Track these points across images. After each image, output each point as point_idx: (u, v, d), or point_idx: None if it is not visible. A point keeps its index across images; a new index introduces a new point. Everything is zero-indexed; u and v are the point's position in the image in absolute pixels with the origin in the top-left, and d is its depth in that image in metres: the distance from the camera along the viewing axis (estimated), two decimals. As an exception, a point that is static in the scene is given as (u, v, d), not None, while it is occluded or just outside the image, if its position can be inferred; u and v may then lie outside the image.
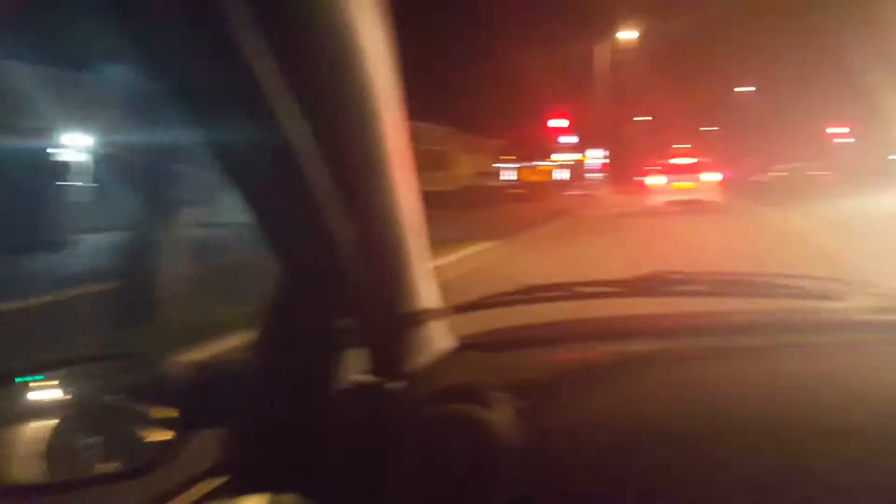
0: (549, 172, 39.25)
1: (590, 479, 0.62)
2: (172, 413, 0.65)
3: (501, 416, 0.66)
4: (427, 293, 0.78)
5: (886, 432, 0.58)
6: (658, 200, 13.99)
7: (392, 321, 0.72)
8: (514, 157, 43.18)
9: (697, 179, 13.66)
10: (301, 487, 0.63)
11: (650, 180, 14.30)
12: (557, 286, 0.97)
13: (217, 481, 0.64)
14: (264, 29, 0.49)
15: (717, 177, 13.79)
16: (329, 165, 0.57)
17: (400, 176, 0.66)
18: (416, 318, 0.75)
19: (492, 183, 34.98)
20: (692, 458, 0.59)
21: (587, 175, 42.96)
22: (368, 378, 0.69)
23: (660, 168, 14.47)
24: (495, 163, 47.83)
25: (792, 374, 0.71)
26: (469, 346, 0.89)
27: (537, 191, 30.33)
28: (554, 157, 48.81)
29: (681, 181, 13.94)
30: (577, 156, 46.75)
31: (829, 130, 46.27)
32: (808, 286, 0.95)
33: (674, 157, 15.00)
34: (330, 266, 0.64)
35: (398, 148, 0.64)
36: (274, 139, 0.53)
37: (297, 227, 0.62)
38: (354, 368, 0.70)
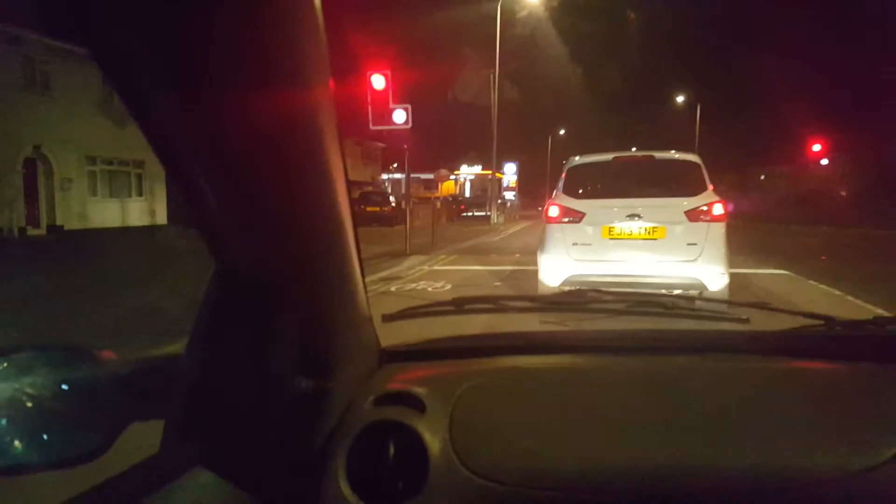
0: (439, 187, 30.92)
1: (515, 490, 0.68)
2: (107, 407, 0.64)
3: (433, 423, 0.72)
4: (360, 301, 0.78)
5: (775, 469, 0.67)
6: (556, 279, 4.65)
7: (327, 325, 0.71)
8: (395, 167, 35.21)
9: (670, 214, 4.81)
10: (234, 476, 0.63)
11: (554, 213, 4.91)
12: (484, 299, 1.04)
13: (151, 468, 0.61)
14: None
15: (718, 209, 5.01)
16: (270, 169, 0.55)
17: (338, 182, 0.63)
18: (350, 324, 0.77)
19: (357, 196, 25.64)
20: (603, 478, 0.68)
21: (504, 193, 36.10)
22: (304, 379, 0.69)
23: (575, 181, 5.11)
24: (384, 172, 39.57)
25: (692, 402, 0.78)
26: (400, 353, 0.94)
27: (414, 211, 21.37)
28: (464, 168, 41.35)
29: (628, 219, 4.90)
30: (477, 169, 39.39)
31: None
32: (717, 308, 1.01)
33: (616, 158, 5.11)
34: (266, 270, 0.63)
35: (335, 154, 0.62)
36: (224, 140, 0.51)
37: (236, 229, 0.59)
38: (288, 369, 0.68)
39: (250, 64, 0.48)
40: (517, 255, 10.43)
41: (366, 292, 0.80)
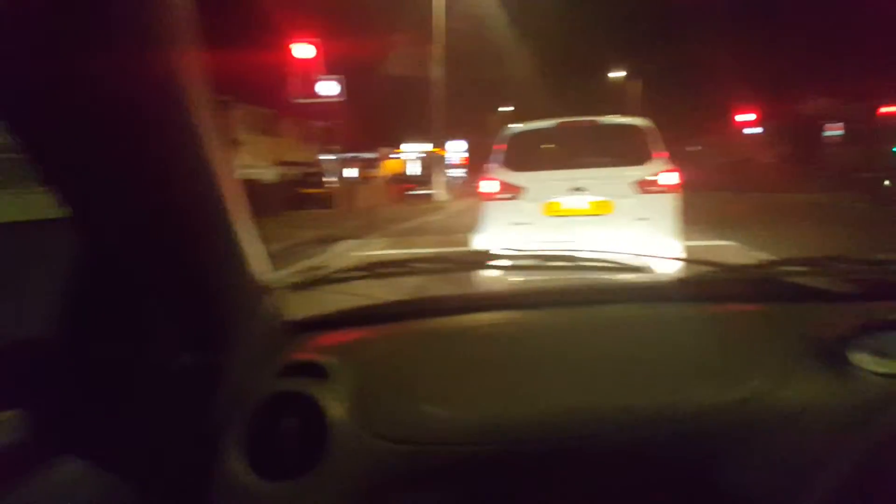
0: (382, 166, 30.00)
1: (422, 449, 0.69)
2: None
3: (336, 391, 0.72)
4: (253, 271, 0.75)
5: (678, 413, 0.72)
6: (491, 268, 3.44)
7: (213, 298, 0.68)
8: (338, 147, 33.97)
9: (618, 186, 4.17)
10: (107, 462, 0.60)
11: (489, 188, 4.34)
12: (395, 262, 1.03)
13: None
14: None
15: (671, 178, 4.61)
16: (136, 133, 0.53)
17: (211, 147, 0.62)
18: (242, 295, 0.74)
19: (294, 176, 24.34)
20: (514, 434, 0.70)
21: (448, 171, 35.54)
22: (189, 355, 0.66)
23: (514, 152, 4.43)
24: (324, 152, 38.09)
25: (603, 348, 0.82)
26: (308, 323, 0.92)
27: (354, 191, 20.30)
28: (404, 147, 40.39)
29: (572, 193, 4.44)
30: (422, 147, 38.64)
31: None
32: (621, 259, 1.02)
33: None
34: (134, 242, 0.60)
35: (203, 113, 0.60)
36: (76, 104, 0.49)
37: (101, 200, 0.56)
38: (168, 346, 0.65)
39: (96, 21, 0.45)
40: (459, 235, 9.90)
41: (268, 261, 0.78)
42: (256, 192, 17.35)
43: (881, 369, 0.74)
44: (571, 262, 1.01)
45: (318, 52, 8.68)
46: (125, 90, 0.49)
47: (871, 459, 0.67)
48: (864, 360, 0.75)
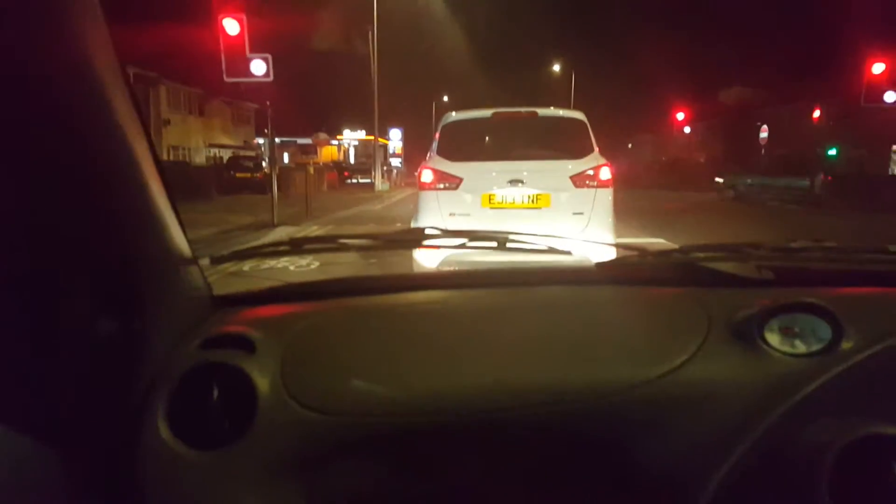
0: (319, 152, 29.28)
1: (350, 420, 0.70)
2: None
3: (264, 362, 0.72)
4: (173, 242, 0.75)
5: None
6: (433, 258, 3.74)
7: (130, 265, 0.68)
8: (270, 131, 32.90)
9: (554, 180, 4.11)
10: (31, 429, 0.59)
11: (428, 178, 4.17)
12: (322, 239, 1.01)
13: None
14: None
15: (605, 173, 4.64)
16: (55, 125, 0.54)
17: (125, 120, 0.63)
18: (162, 264, 0.73)
19: (228, 159, 23.24)
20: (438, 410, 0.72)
21: (390, 160, 35.18)
22: (106, 320, 0.65)
23: (452, 141, 4.31)
24: (259, 136, 36.71)
25: (532, 328, 0.83)
26: (238, 298, 0.93)
27: (291, 178, 19.58)
28: (347, 133, 39.62)
29: (510, 185, 4.44)
30: (360, 135, 38.09)
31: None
32: (550, 243, 1.04)
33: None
34: (51, 205, 0.58)
35: (112, 81, 0.60)
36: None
37: (10, 167, 0.55)
38: (83, 310, 0.63)
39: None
40: (399, 224, 9.77)
41: (185, 234, 0.78)
42: (189, 175, 16.55)
43: (788, 349, 0.78)
44: (501, 245, 1.01)
45: (241, 29, 8.17)
46: (29, 62, 0.49)
47: (778, 434, 0.70)
48: (773, 340, 0.79)
